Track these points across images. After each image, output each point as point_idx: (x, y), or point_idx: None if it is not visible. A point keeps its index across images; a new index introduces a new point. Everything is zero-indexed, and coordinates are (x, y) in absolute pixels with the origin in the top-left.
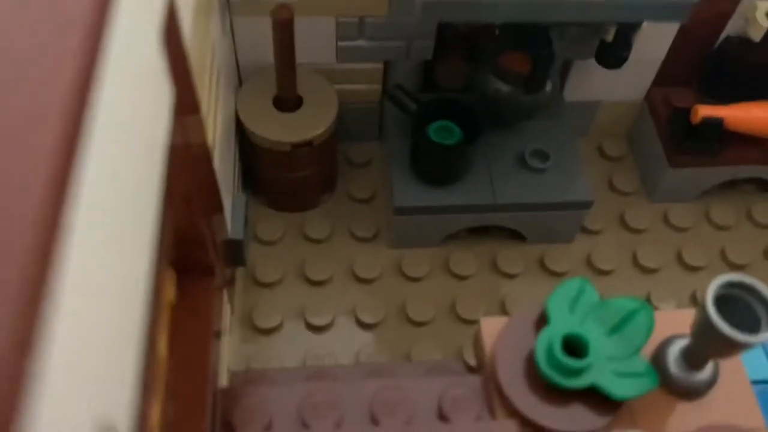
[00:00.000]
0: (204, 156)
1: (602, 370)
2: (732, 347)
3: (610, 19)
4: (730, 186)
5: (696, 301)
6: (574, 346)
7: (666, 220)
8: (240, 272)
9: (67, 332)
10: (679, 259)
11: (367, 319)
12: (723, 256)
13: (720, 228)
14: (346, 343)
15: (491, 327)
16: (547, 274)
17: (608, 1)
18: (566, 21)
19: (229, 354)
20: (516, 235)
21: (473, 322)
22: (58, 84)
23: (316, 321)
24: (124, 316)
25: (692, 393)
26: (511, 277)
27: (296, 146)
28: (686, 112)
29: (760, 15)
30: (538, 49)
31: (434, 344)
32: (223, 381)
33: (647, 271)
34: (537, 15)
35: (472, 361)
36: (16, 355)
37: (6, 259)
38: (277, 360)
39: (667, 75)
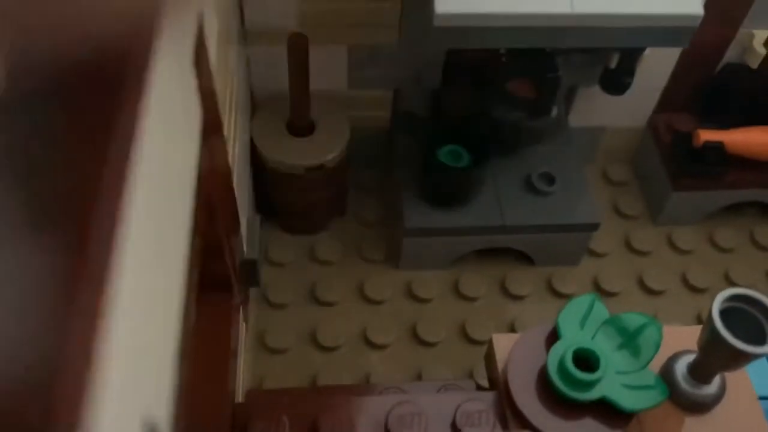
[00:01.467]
0: (226, 176)
1: (612, 383)
2: (738, 358)
3: (615, 44)
4: (733, 209)
5: (701, 320)
6: (585, 360)
7: (670, 242)
8: (252, 294)
9: (122, 342)
10: (684, 281)
11: (378, 340)
12: (727, 277)
13: (723, 250)
14: (356, 364)
15: (503, 343)
16: (554, 296)
17: (612, 27)
18: (572, 46)
19: (244, 373)
20: (524, 258)
21: (483, 343)
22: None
23: (327, 342)
24: (165, 326)
25: (700, 407)
26: (519, 299)
27: (309, 170)
28: (688, 136)
29: (757, 43)
30: (544, 74)
31: (444, 365)
32: (239, 398)
33: (653, 292)
34: (543, 41)
35: (483, 382)
36: (85, 363)
37: (76, 284)
38: (289, 380)
39: (668, 101)
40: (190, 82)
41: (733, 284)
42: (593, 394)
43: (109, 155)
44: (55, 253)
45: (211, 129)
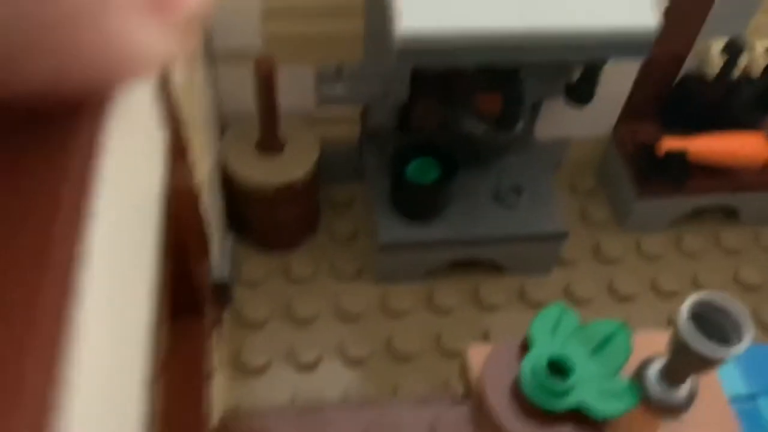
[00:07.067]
0: (193, 200)
1: (586, 391)
2: (705, 362)
3: (578, 57)
4: (698, 214)
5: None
6: (558, 368)
7: (638, 249)
8: (226, 313)
9: (84, 384)
10: (654, 286)
11: (354, 355)
12: (695, 281)
13: (691, 255)
14: (334, 381)
15: (477, 355)
16: (527, 305)
17: (575, 42)
18: (536, 62)
19: (218, 395)
20: (496, 268)
21: (458, 355)
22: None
23: (304, 359)
24: (133, 357)
25: (673, 410)
26: (493, 309)
27: (280, 189)
28: (651, 146)
29: (714, 53)
30: (509, 89)
31: (421, 378)
32: (215, 421)
33: (623, 298)
34: (508, 57)
35: (461, 393)
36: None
37: (32, 325)
38: (267, 399)
39: (631, 110)
40: (151, 111)
41: (701, 288)
42: (567, 403)
43: (66, 183)
44: (13, 289)
45: (177, 152)
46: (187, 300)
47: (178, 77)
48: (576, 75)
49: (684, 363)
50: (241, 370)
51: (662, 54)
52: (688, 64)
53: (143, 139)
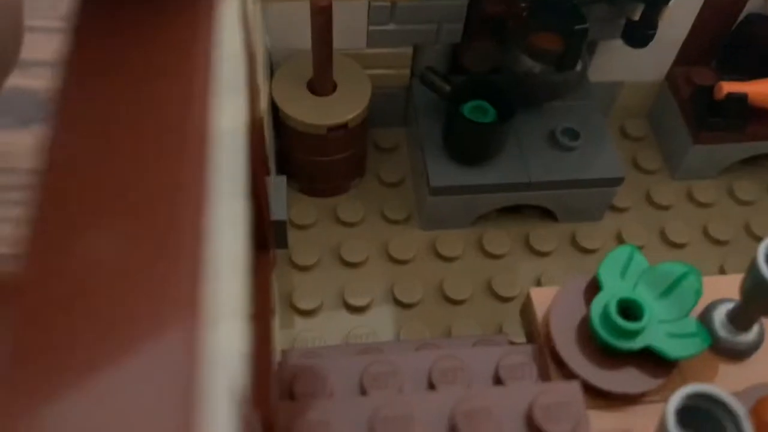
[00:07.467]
0: (260, 132)
1: (656, 332)
2: None
3: None
4: (750, 162)
5: (724, 272)
6: (627, 310)
7: (690, 196)
8: (278, 256)
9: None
10: (706, 233)
11: (405, 298)
12: (747, 229)
13: (743, 203)
14: (386, 323)
15: (540, 296)
16: (579, 251)
17: None
18: None
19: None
20: (546, 214)
21: (510, 299)
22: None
23: (355, 302)
24: (239, 286)
25: (739, 354)
26: (544, 255)
27: (332, 129)
28: (708, 89)
29: None
30: (572, 25)
31: (473, 322)
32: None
33: (675, 246)
34: None
35: (515, 338)
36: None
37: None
38: (320, 341)
39: (687, 54)
40: (239, 39)
41: (753, 236)
42: (638, 343)
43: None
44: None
45: (251, 82)
46: (257, 234)
47: (251, 3)
48: (637, 14)
49: (758, 305)
50: (294, 311)
51: None
52: (751, 5)
53: (232, 57)
